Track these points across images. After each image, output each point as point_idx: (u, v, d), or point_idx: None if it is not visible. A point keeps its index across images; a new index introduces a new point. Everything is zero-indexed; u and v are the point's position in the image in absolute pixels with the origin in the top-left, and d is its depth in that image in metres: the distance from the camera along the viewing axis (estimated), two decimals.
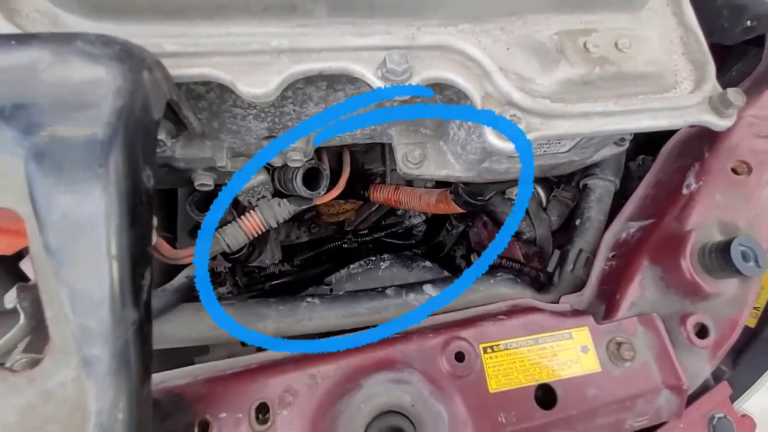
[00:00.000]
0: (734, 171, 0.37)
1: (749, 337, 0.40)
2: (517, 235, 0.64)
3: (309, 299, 0.37)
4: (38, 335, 0.17)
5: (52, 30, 0.23)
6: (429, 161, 0.39)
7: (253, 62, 0.25)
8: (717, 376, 0.40)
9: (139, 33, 0.23)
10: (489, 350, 0.33)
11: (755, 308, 0.40)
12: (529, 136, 0.26)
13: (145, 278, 0.17)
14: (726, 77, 0.44)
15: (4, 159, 0.15)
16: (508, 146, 0.27)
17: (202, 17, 0.24)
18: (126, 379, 0.15)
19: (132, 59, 0.18)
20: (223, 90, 0.27)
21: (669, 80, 0.29)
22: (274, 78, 0.25)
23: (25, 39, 0.17)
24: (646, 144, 0.54)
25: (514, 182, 0.47)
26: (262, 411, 0.29)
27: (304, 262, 0.87)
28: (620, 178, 0.50)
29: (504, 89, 0.27)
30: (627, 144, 0.43)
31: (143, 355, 0.16)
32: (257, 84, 0.25)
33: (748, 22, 0.31)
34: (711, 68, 0.30)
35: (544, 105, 0.27)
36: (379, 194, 0.68)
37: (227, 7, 0.24)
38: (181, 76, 0.24)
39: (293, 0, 0.24)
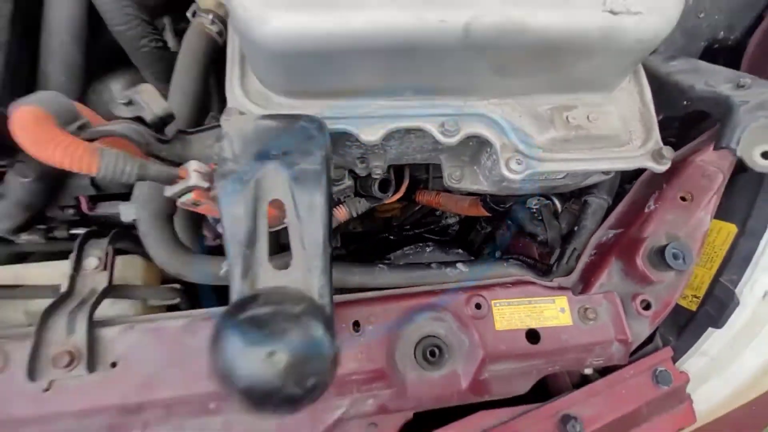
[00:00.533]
0: (682, 198, 0.53)
1: (689, 318, 0.55)
2: (533, 237, 0.80)
3: (380, 265, 0.57)
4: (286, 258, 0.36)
5: (266, 103, 0.44)
6: (466, 179, 0.57)
7: (369, 122, 0.44)
8: (664, 343, 0.56)
9: (312, 105, 0.43)
10: (497, 304, 0.50)
11: (695, 296, 0.55)
12: (527, 172, 0.44)
13: (331, 234, 0.37)
14: (695, 130, 0.59)
15: (280, 177, 0.35)
16: (516, 176, 0.45)
17: (345, 96, 0.44)
18: (328, 278, 0.35)
19: (321, 125, 0.38)
20: (348, 135, 0.47)
21: (624, 138, 0.46)
22: (380, 132, 0.44)
23: (292, 119, 0.37)
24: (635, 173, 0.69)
25: (525, 195, 0.64)
26: (356, 325, 0.48)
27: (357, 248, 1.08)
28: (613, 196, 0.66)
29: (514, 141, 0.45)
30: (613, 173, 0.59)
31: (331, 269, 0.36)
32: (370, 134, 0.44)
33: (685, 102, 0.47)
34: (655, 131, 0.46)
35: (538, 153, 0.44)
36: (423, 197, 0.87)
37: (361, 92, 0.43)
38: (332, 130, 0.43)
39: (395, 87, 0.44)
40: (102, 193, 0.58)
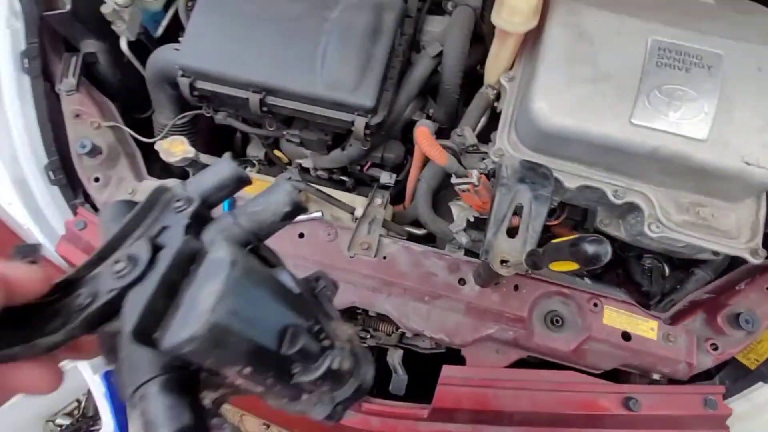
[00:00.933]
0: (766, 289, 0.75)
1: (746, 373, 0.76)
2: (638, 287, 1.04)
3: None
4: None
5: (517, 151, 0.78)
6: (611, 226, 0.85)
7: (573, 177, 0.76)
8: (720, 383, 0.78)
9: (542, 158, 0.76)
10: (608, 308, 0.78)
11: (757, 360, 0.76)
12: (661, 235, 0.71)
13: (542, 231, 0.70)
14: None
15: (527, 194, 0.69)
16: (652, 236, 0.72)
17: (564, 159, 0.76)
18: (535, 248, 0.68)
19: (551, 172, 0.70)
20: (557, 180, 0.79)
21: (734, 234, 0.71)
22: (576, 184, 0.75)
23: (537, 165, 0.70)
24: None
25: (643, 250, 0.90)
26: (516, 288, 0.81)
27: None
28: (716, 274, 0.88)
29: (658, 214, 0.73)
30: (721, 256, 0.83)
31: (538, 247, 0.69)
32: (571, 183, 0.75)
33: None
34: (759, 237, 0.70)
35: (671, 225, 0.72)
36: (560, 230, 1.16)
37: (576, 159, 0.75)
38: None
39: (597, 162, 0.75)
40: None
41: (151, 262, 0.21)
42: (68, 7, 0.81)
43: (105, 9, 0.85)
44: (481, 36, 0.85)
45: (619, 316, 0.79)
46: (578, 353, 0.79)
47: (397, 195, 1.01)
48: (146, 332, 0.19)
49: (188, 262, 0.22)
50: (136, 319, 0.19)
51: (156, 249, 0.22)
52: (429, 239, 0.98)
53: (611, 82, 0.65)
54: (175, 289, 0.20)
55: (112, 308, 0.22)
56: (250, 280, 0.19)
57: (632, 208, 0.77)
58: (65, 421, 1.54)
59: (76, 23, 0.83)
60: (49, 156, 0.84)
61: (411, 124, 0.94)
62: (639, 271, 1.05)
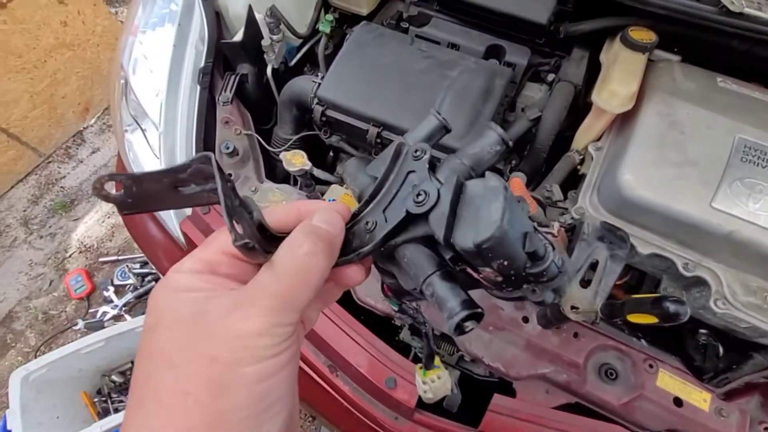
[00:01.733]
0: None
1: None
2: (690, 361, 1.07)
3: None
4: None
5: (596, 212, 0.87)
6: (675, 294, 0.91)
7: (647, 244, 0.83)
8: None
9: (618, 221, 0.85)
10: (663, 371, 0.83)
11: None
12: (725, 312, 0.77)
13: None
14: None
15: (603, 252, 0.77)
16: (717, 311, 0.78)
17: (638, 225, 0.84)
18: (599, 294, 0.76)
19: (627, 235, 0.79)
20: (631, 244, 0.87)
21: None
22: (649, 250, 0.83)
23: (615, 228, 0.79)
24: None
25: (701, 324, 0.94)
26: (575, 335, 0.87)
27: None
28: None
29: (725, 292, 0.78)
30: None
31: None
32: (644, 249, 0.83)
33: None
34: None
35: (737, 305, 0.77)
36: (617, 293, 1.21)
37: (649, 228, 0.83)
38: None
39: (670, 235, 0.82)
40: None
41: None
42: (238, 39, 1.02)
43: (264, 42, 1.05)
44: (575, 107, 0.96)
45: (673, 381, 0.83)
46: (627, 409, 0.84)
47: None
48: (447, 239, 0.30)
49: (459, 192, 0.31)
50: (444, 230, 0.29)
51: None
52: None
53: (696, 168, 0.74)
54: (455, 210, 0.31)
55: (400, 229, 0.32)
56: (512, 200, 0.30)
57: (699, 282, 0.83)
58: (118, 379, 1.71)
59: (240, 51, 1.04)
60: (198, 151, 1.02)
61: (492, 169, 1.06)
62: (693, 346, 1.07)
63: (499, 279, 0.30)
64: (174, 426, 0.22)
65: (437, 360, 0.79)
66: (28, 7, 1.90)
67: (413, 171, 0.34)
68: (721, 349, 1.04)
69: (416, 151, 0.35)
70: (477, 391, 0.94)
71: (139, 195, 0.27)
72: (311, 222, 0.29)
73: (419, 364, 0.81)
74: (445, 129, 0.40)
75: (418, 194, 0.31)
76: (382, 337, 0.94)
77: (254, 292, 0.26)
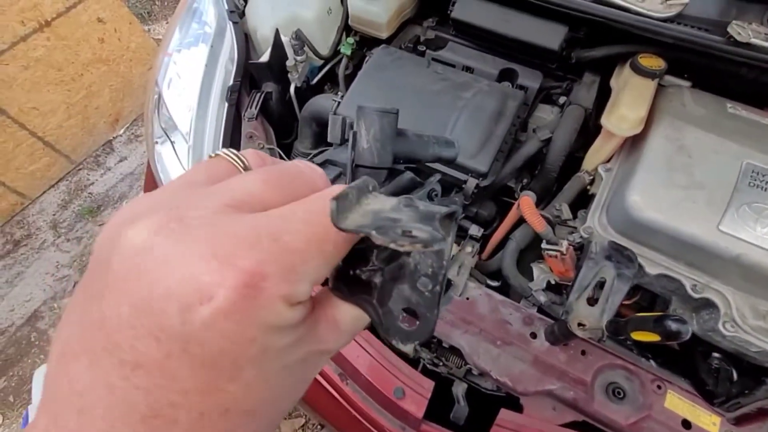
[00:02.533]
0: None
1: None
2: (702, 385, 1.06)
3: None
4: None
5: (604, 231, 0.89)
6: (683, 316, 0.91)
7: (654, 264, 0.85)
8: None
9: (626, 242, 0.87)
10: (671, 392, 0.83)
11: None
12: (734, 335, 0.77)
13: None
14: None
15: (611, 271, 0.79)
16: (726, 334, 0.79)
17: (647, 246, 0.86)
18: (611, 315, 0.77)
19: (635, 256, 0.80)
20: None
21: None
22: (656, 271, 0.84)
23: (622, 248, 0.81)
24: None
25: (717, 349, 0.94)
26: (583, 353, 0.89)
27: None
28: None
29: (734, 315, 0.79)
30: None
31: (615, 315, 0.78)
32: (652, 270, 0.84)
33: None
34: None
35: (746, 328, 0.77)
36: (627, 312, 1.21)
37: (657, 249, 0.85)
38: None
39: (679, 257, 0.84)
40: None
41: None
42: (265, 59, 1.08)
43: (289, 63, 1.12)
44: (585, 129, 0.99)
45: (682, 403, 0.83)
46: (635, 429, 0.84)
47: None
48: None
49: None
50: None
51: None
52: (500, 292, 1.08)
53: (703, 191, 0.75)
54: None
55: None
56: None
57: (708, 305, 0.84)
58: None
59: (266, 71, 1.10)
60: None
61: (503, 188, 1.09)
62: (705, 369, 1.06)
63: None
64: None
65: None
66: (70, 25, 2.03)
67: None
68: (734, 374, 1.03)
69: (433, 190, 0.37)
70: (484, 404, 0.95)
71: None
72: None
73: None
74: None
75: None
76: (392, 348, 0.96)
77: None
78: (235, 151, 0.24)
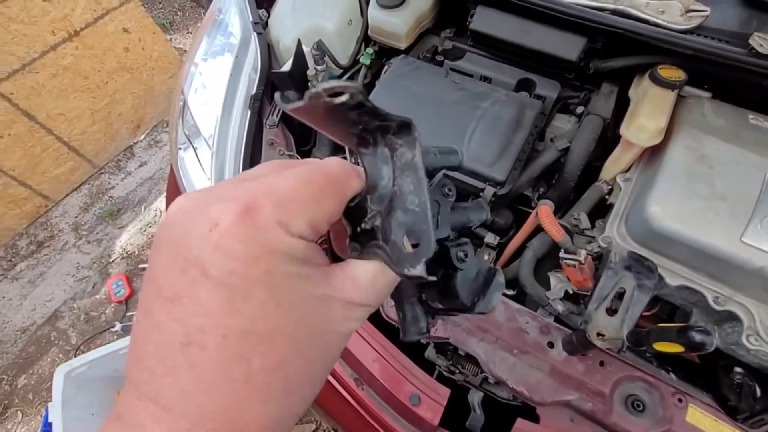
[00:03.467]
0: None
1: None
2: (725, 400, 1.03)
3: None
4: None
5: (623, 241, 0.88)
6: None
7: (675, 276, 0.84)
8: None
9: (645, 251, 0.86)
10: (693, 406, 0.82)
11: None
12: (758, 348, 0.76)
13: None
14: None
15: (631, 282, 0.79)
16: (750, 347, 0.77)
17: (666, 257, 0.85)
18: (629, 326, 0.77)
19: (656, 267, 0.80)
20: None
21: None
22: (677, 282, 0.83)
23: (643, 258, 0.80)
24: None
25: (740, 363, 0.92)
26: (601, 364, 0.88)
27: None
28: None
29: (758, 328, 0.78)
30: None
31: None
32: (673, 281, 0.84)
33: None
34: None
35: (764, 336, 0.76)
36: (646, 324, 1.19)
37: (677, 260, 0.84)
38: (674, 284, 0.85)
39: (700, 267, 0.83)
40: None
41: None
42: (287, 68, 1.11)
43: (309, 72, 1.15)
44: (603, 139, 0.99)
45: (704, 418, 0.82)
46: None
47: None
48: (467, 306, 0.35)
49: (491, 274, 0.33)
50: (468, 295, 0.32)
51: None
52: (515, 301, 1.08)
53: (725, 202, 0.75)
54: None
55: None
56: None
57: (731, 317, 0.83)
58: None
59: (288, 80, 1.13)
60: (245, 169, 1.11)
61: (520, 196, 1.09)
62: (727, 384, 1.04)
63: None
64: None
65: None
66: (97, 35, 2.11)
67: (437, 201, 0.32)
68: (758, 390, 1.01)
69: (444, 186, 0.33)
70: (500, 414, 0.95)
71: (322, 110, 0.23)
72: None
73: None
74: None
75: (463, 252, 0.30)
76: (408, 354, 0.97)
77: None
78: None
